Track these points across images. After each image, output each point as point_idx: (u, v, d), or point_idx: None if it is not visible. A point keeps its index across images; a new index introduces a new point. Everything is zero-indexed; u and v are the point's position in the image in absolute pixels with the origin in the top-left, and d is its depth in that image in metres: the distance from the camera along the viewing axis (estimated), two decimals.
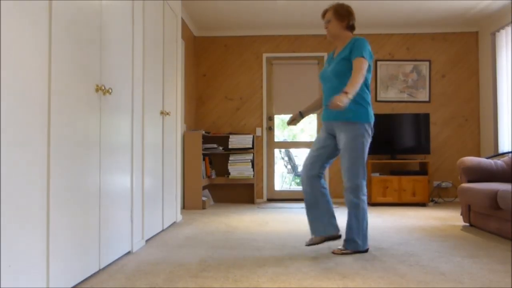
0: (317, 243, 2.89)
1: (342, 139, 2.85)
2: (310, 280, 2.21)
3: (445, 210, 5.08)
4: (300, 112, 3.23)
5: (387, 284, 2.14)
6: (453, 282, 2.17)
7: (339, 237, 2.91)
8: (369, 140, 2.89)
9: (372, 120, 2.90)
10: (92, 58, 2.27)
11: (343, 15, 2.91)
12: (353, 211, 2.85)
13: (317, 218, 2.90)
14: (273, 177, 6.19)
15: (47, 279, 1.83)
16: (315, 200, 2.91)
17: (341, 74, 2.85)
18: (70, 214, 2.03)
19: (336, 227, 2.90)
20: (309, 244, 2.90)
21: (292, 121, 3.25)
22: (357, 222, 2.83)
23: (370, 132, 2.88)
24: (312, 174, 2.94)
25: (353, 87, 2.65)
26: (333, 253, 2.83)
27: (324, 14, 3.00)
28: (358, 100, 2.85)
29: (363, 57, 2.75)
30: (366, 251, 2.85)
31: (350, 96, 2.61)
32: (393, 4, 5.15)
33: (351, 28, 2.96)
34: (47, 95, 1.84)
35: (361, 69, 2.72)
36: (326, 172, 6.05)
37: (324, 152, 2.96)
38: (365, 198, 2.86)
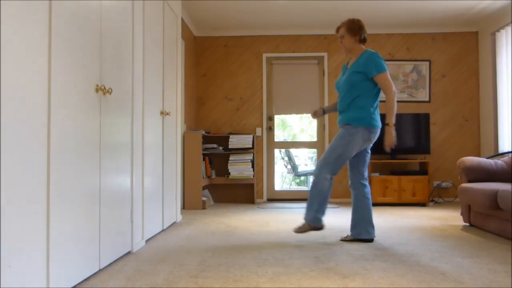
0: (349, 241, 3.20)
1: None
2: (310, 280, 2.21)
3: (445, 210, 5.08)
4: (322, 109, 3.44)
5: (387, 284, 2.14)
6: (453, 282, 2.17)
7: (370, 240, 3.17)
8: (360, 142, 3.06)
9: (372, 125, 3.06)
10: (92, 58, 2.27)
11: (355, 29, 3.15)
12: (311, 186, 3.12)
13: (354, 221, 3.22)
14: (273, 177, 6.18)
15: (47, 279, 1.83)
16: (355, 206, 3.22)
17: (353, 85, 3.10)
18: (70, 214, 2.03)
19: (368, 233, 3.16)
20: (342, 240, 3.25)
21: (315, 115, 3.45)
22: (311, 196, 3.06)
23: (366, 136, 3.07)
24: (352, 182, 3.24)
25: (391, 116, 3.05)
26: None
27: (337, 30, 3.24)
28: (362, 105, 3.07)
29: (385, 72, 3.07)
30: (318, 228, 3.12)
31: (391, 125, 3.04)
32: (393, 4, 5.15)
33: (363, 41, 3.20)
34: (47, 95, 1.84)
35: (391, 92, 3.09)
36: None
37: (353, 159, 3.23)
38: (324, 179, 3.04)
